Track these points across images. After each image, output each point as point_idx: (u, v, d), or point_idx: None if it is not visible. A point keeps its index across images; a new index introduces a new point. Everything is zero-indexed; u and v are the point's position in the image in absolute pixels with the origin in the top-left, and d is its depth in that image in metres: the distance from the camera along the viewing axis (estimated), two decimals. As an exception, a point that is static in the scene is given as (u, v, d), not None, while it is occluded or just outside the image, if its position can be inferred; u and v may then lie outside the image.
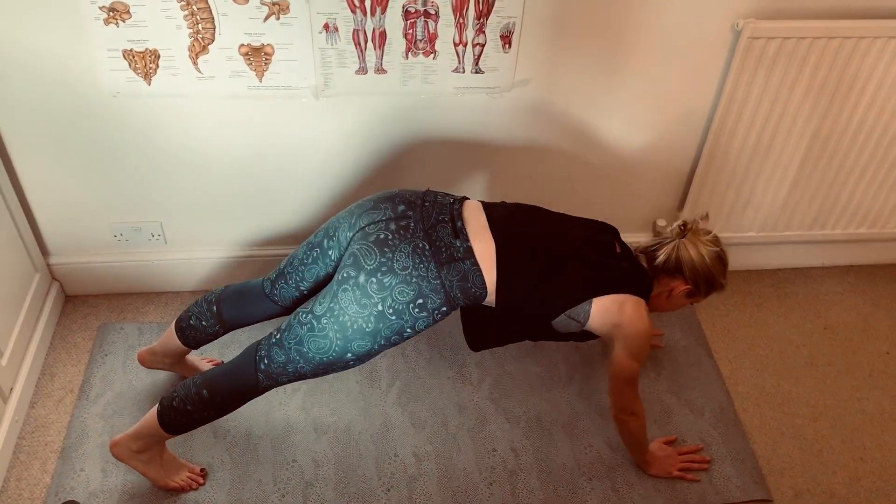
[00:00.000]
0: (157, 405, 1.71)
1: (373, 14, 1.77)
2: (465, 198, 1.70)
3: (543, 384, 2.12)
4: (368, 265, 1.53)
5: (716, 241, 1.74)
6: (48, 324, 2.14)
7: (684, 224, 1.74)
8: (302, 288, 1.74)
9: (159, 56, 1.79)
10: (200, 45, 1.79)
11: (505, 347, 2.19)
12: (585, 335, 1.75)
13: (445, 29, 1.82)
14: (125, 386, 2.04)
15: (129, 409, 1.98)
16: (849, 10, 1.91)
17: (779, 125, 2.09)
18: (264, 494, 1.84)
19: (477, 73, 1.92)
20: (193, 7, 1.72)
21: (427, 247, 1.54)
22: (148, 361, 1.97)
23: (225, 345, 2.13)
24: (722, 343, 2.27)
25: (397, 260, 1.52)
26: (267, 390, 1.69)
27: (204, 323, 1.83)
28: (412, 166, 2.10)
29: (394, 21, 1.79)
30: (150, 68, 1.81)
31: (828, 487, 1.93)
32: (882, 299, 2.45)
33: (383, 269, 1.52)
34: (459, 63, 1.89)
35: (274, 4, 1.74)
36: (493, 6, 1.79)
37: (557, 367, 2.16)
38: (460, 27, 1.82)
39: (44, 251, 2.17)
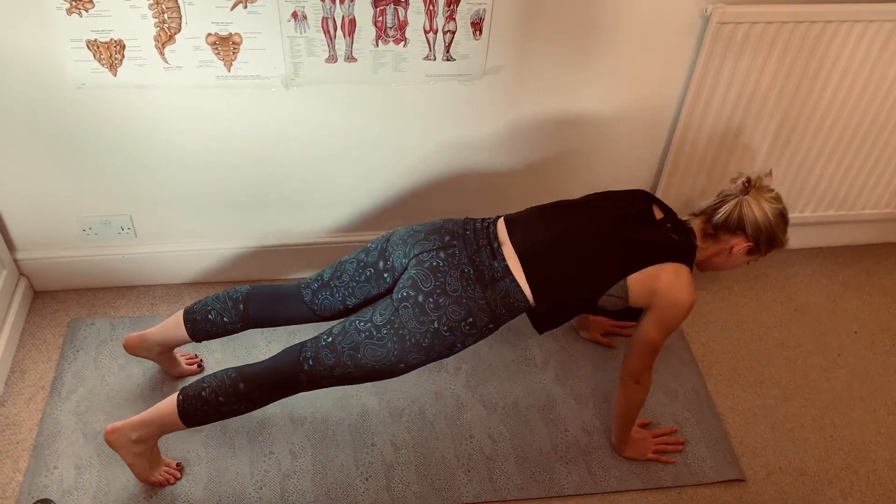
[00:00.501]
0: (177, 394, 1.70)
1: (342, 2, 1.76)
2: (499, 217, 1.79)
3: (519, 371, 2.13)
4: (425, 287, 1.65)
5: (778, 198, 1.73)
6: (17, 320, 2.11)
7: (748, 180, 1.71)
8: (348, 303, 1.79)
9: (125, 46, 1.76)
10: (167, 35, 1.76)
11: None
12: (631, 313, 1.77)
13: (416, 16, 1.81)
14: (97, 382, 2.01)
15: (102, 406, 1.96)
16: (815, -6, 1.93)
17: (748, 109, 2.11)
18: (242, 488, 1.83)
19: (448, 60, 1.91)
20: (158, -4, 1.69)
21: (472, 272, 1.67)
22: (134, 347, 1.93)
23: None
24: (695, 326, 2.30)
25: (449, 283, 1.65)
26: (304, 390, 1.72)
27: (225, 319, 1.83)
28: (385, 156, 2.09)
29: (363, 8, 1.77)
30: (116, 59, 1.78)
31: (799, 465, 1.97)
32: (850, 280, 2.49)
33: (438, 291, 1.64)
34: (430, 51, 1.88)
35: (241, -8, 1.71)
36: (463, -7, 1.78)
37: (533, 353, 2.18)
38: (430, 14, 1.81)
39: (10, 246, 2.13)
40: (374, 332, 1.66)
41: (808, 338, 2.29)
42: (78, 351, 2.08)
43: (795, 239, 2.53)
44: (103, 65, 1.78)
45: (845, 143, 2.24)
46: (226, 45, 1.80)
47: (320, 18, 1.78)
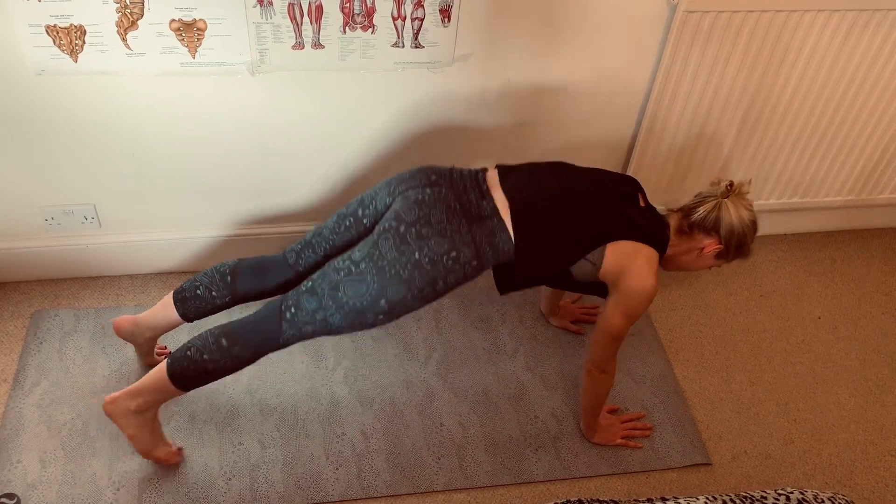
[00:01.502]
0: (166, 359, 1.69)
1: (308, -12, 1.73)
2: (486, 169, 1.77)
3: (490, 358, 2.14)
4: (409, 218, 1.63)
5: (753, 208, 1.76)
6: (-22, 312, 2.07)
7: (731, 184, 1.74)
8: (330, 255, 1.78)
9: (85, 32, 1.72)
10: (129, 21, 1.72)
11: (451, 323, 2.21)
12: (598, 287, 1.78)
13: (383, 3, 1.79)
14: (62, 374, 1.98)
15: (67, 398, 1.93)
16: (780, -17, 1.95)
17: (715, 97, 2.13)
18: (210, 479, 1.82)
19: (417, 47, 1.90)
20: (120, -20, 1.65)
21: (458, 206, 1.66)
22: (125, 331, 1.90)
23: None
24: (662, 312, 2.32)
25: (433, 215, 1.63)
26: (287, 344, 1.69)
27: (214, 293, 1.81)
28: (354, 144, 2.08)
29: (330, -5, 1.76)
30: (76, 45, 1.74)
31: (763, 449, 2.00)
32: (814, 265, 2.53)
33: (421, 221, 1.62)
34: (399, 38, 1.87)
35: (205, -22, 1.68)
36: (430, -20, 1.77)
37: (504, 340, 2.19)
38: (398, 1, 1.80)
39: (-30, 237, 2.09)
40: (353, 269, 1.63)
41: (772, 323, 2.33)
42: (41, 343, 2.05)
43: (762, 226, 2.57)
44: (63, 51, 1.74)
45: (809, 131, 2.27)
46: (190, 32, 1.77)
47: (287, 4, 1.75)
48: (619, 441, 1.96)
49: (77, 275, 2.22)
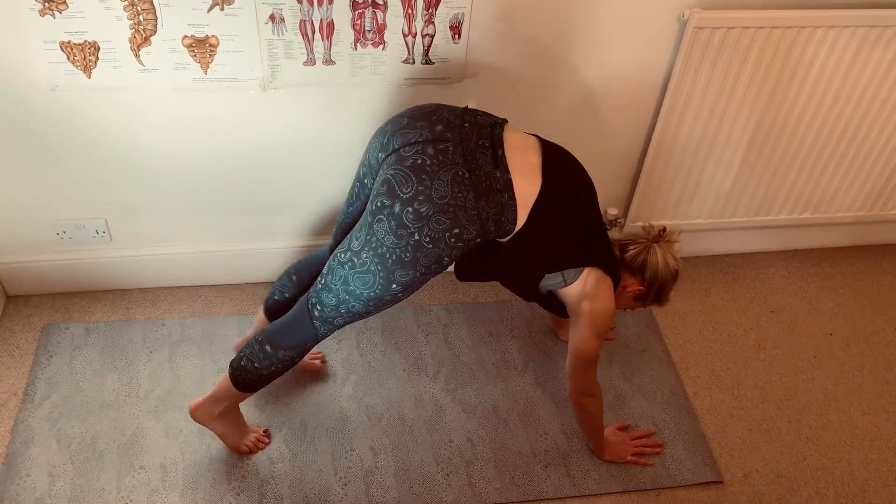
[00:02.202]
0: (228, 369, 1.76)
1: (320, 4, 1.75)
2: (506, 120, 1.62)
3: (499, 373, 2.13)
4: (404, 193, 1.47)
5: (678, 258, 1.78)
6: (-11, 326, 2.08)
7: (664, 229, 1.77)
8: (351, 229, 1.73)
9: (99, 48, 1.74)
10: (142, 37, 1.74)
11: (460, 338, 2.20)
12: (549, 302, 1.76)
13: (394, 20, 1.80)
14: (72, 388, 1.99)
15: (77, 412, 1.93)
16: (789, 0, 1.94)
17: (725, 113, 2.12)
18: (219, 494, 1.81)
19: (427, 63, 1.90)
20: (133, -3, 1.67)
21: (467, 175, 1.48)
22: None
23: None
24: (672, 328, 2.31)
25: (436, 189, 1.46)
26: (325, 336, 1.70)
27: (287, 295, 1.87)
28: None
29: (341, 11, 1.77)
30: (90, 61, 1.76)
31: (775, 467, 1.98)
32: (825, 281, 2.52)
33: (420, 197, 1.46)
34: (409, 54, 1.88)
35: (218, -5, 1.70)
36: (441, -4, 1.78)
37: (512, 355, 2.18)
38: (409, 18, 1.81)
39: (-18, 251, 2.10)
40: (356, 260, 1.55)
41: (784, 340, 2.32)
42: (52, 356, 2.05)
43: (772, 241, 2.56)
44: (77, 67, 1.76)
45: (820, 147, 2.26)
46: (202, 48, 1.78)
47: (298, 21, 1.77)
48: (629, 458, 1.94)
49: (88, 288, 2.23)
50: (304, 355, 1.74)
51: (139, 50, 1.76)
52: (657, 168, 2.22)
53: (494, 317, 2.29)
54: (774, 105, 2.13)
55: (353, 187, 1.72)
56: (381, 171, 1.53)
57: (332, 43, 1.82)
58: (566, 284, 1.67)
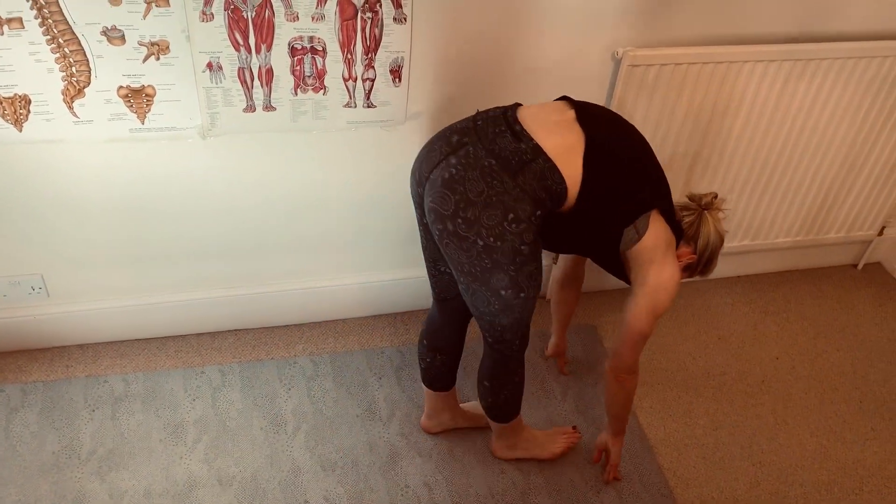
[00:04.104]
0: (484, 414, 1.90)
1: (258, 52, 1.74)
2: (518, 104, 1.60)
3: (453, 414, 2.11)
4: (448, 210, 1.47)
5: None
6: (-82, 391, 1.98)
7: (715, 196, 1.71)
8: (441, 268, 1.75)
9: (30, 101, 1.70)
10: (75, 89, 1.70)
11: (414, 378, 2.18)
12: (619, 267, 1.69)
13: (334, 65, 1.81)
14: (8, 452, 1.90)
15: (14, 478, 1.84)
16: (719, 37, 2.01)
17: (663, 146, 2.17)
18: (167, 556, 1.74)
19: (369, 107, 1.91)
20: (65, 50, 1.64)
21: (494, 163, 1.46)
22: (432, 426, 2.05)
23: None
24: (624, 360, 2.33)
25: (471, 189, 1.45)
26: (518, 349, 1.71)
27: (429, 360, 1.91)
28: (310, 204, 2.07)
29: (280, 58, 1.76)
30: (21, 114, 1.71)
31: (731, 494, 2.00)
32: (769, 306, 2.58)
33: (462, 205, 1.46)
34: (351, 98, 1.88)
35: (153, 45, 1.68)
36: (380, 42, 1.79)
37: (467, 395, 2.16)
38: (349, 63, 1.81)
39: None
40: (462, 287, 1.58)
41: (732, 366, 2.35)
42: (-14, 420, 1.97)
43: (716, 268, 2.61)
44: (7, 121, 1.71)
45: (756, 176, 2.33)
46: (139, 98, 1.75)
47: (236, 69, 1.76)
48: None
49: (24, 347, 2.15)
50: (518, 372, 1.77)
51: (73, 102, 1.72)
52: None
53: (447, 356, 2.27)
54: (710, 137, 2.19)
55: (420, 234, 1.73)
56: (424, 204, 1.55)
57: (272, 89, 1.81)
58: (639, 237, 1.57)
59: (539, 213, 1.49)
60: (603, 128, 1.55)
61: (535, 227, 1.49)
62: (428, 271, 1.79)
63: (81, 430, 1.97)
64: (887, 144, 2.35)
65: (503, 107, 1.58)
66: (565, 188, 1.49)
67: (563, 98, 1.63)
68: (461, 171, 1.47)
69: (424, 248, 1.75)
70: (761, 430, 2.16)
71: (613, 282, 2.46)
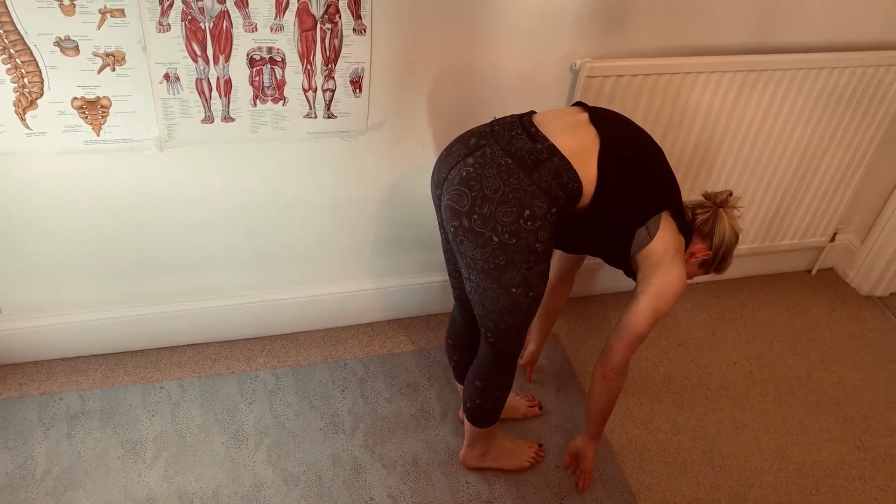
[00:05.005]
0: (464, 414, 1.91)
1: (216, 62, 1.73)
2: (533, 112, 1.63)
3: (418, 425, 2.11)
4: (463, 207, 1.49)
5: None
6: None
7: (730, 193, 1.73)
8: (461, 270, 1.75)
9: (-20, 113, 1.66)
10: (28, 100, 1.67)
11: (377, 391, 2.17)
12: (628, 265, 1.70)
13: (294, 75, 1.80)
14: (-41, 474, 1.84)
15: (-35, 500, 1.79)
16: (674, 48, 2.05)
17: (621, 156, 2.20)
18: (126, 576, 1.70)
19: (329, 117, 1.90)
20: (17, 61, 1.60)
21: (510, 161, 1.49)
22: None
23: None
24: (586, 367, 2.35)
25: (486, 186, 1.47)
26: (516, 349, 1.73)
27: (456, 358, 1.98)
28: (271, 215, 2.05)
29: (239, 69, 1.75)
30: (-29, 126, 1.68)
31: (692, 498, 2.02)
32: (726, 312, 2.62)
33: (478, 201, 1.48)
34: (311, 108, 1.87)
35: (108, 56, 1.65)
36: (340, 52, 1.79)
37: (431, 405, 2.16)
38: (308, 73, 1.81)
39: None
40: (473, 284, 1.58)
41: (692, 371, 2.39)
42: (-65, 442, 1.90)
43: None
44: (-43, 133, 1.67)
45: (711, 184, 2.38)
46: (94, 109, 1.72)
47: (194, 79, 1.74)
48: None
49: (-25, 365, 2.10)
50: (512, 374, 1.79)
51: (25, 113, 1.69)
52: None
53: (412, 366, 2.27)
54: (667, 146, 2.22)
55: (441, 237, 1.76)
56: (442, 203, 1.57)
57: (231, 100, 1.80)
58: (651, 238, 1.60)
59: (555, 210, 1.51)
60: (616, 130, 1.58)
61: (550, 225, 1.51)
62: (449, 273, 1.84)
63: (36, 449, 1.92)
64: (837, 153, 2.41)
65: (519, 114, 1.61)
66: (581, 187, 1.52)
67: (578, 103, 1.66)
68: (478, 168, 1.49)
69: (445, 251, 1.79)
70: (721, 434, 2.20)
71: (575, 291, 2.49)
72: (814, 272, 2.83)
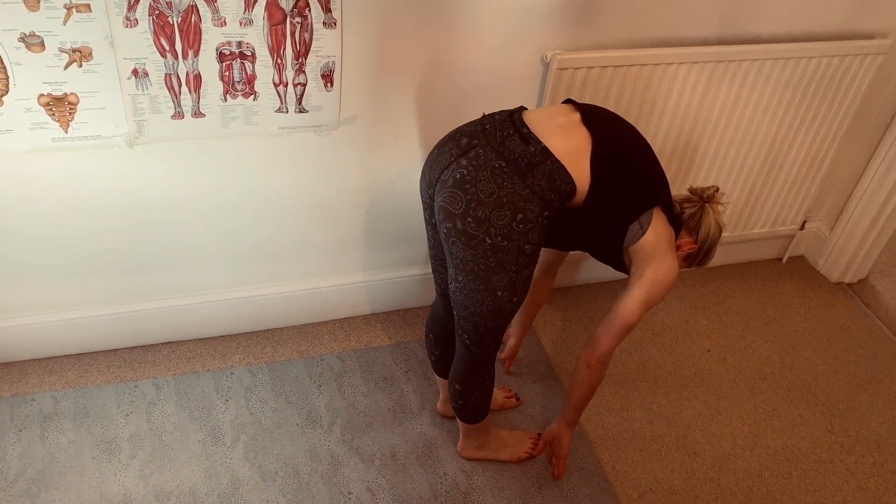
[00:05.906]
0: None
1: (185, 57, 1.71)
2: (523, 108, 1.64)
3: (395, 418, 2.11)
4: (458, 209, 1.51)
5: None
6: None
7: (716, 189, 1.76)
8: (444, 265, 1.78)
9: (-56, 110, 1.64)
10: (-8, 97, 1.65)
11: (354, 385, 2.17)
12: (622, 265, 1.73)
13: (264, 70, 1.79)
14: (-71, 478, 1.82)
15: (-64, 504, 1.77)
16: (644, 40, 2.07)
17: (593, 148, 2.22)
18: (103, 577, 1.69)
19: (301, 112, 1.90)
20: (-20, 57, 1.58)
21: (504, 164, 1.50)
22: (448, 411, 2.11)
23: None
24: (562, 357, 2.37)
25: (482, 190, 1.49)
26: (492, 352, 1.75)
27: (437, 352, 1.96)
28: (246, 211, 2.04)
29: (208, 64, 1.74)
30: (-66, 124, 1.65)
31: (668, 485, 2.05)
32: (699, 301, 2.65)
33: (473, 204, 1.49)
34: (282, 103, 1.87)
35: (75, 52, 1.63)
36: (310, 46, 1.78)
37: (408, 398, 2.16)
38: (279, 68, 1.80)
39: None
40: (458, 284, 1.60)
41: (666, 359, 2.42)
42: None
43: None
44: (-80, 131, 1.65)
45: (682, 174, 2.40)
46: (61, 106, 1.71)
47: (163, 75, 1.73)
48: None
49: (-55, 367, 2.06)
50: (490, 375, 1.80)
51: (-10, 111, 1.66)
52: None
53: (388, 360, 2.27)
54: (638, 137, 2.24)
55: (427, 234, 1.76)
56: (435, 205, 1.58)
57: (201, 95, 1.79)
58: (643, 232, 1.62)
59: (546, 213, 1.53)
60: (607, 129, 1.60)
61: (540, 227, 1.54)
62: (433, 269, 1.84)
63: (8, 451, 1.90)
64: (805, 142, 2.45)
65: (509, 110, 1.62)
66: (574, 188, 1.54)
67: (568, 101, 1.67)
68: (472, 171, 1.50)
69: (431, 248, 1.79)
70: (695, 421, 2.23)
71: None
72: (784, 260, 2.88)
